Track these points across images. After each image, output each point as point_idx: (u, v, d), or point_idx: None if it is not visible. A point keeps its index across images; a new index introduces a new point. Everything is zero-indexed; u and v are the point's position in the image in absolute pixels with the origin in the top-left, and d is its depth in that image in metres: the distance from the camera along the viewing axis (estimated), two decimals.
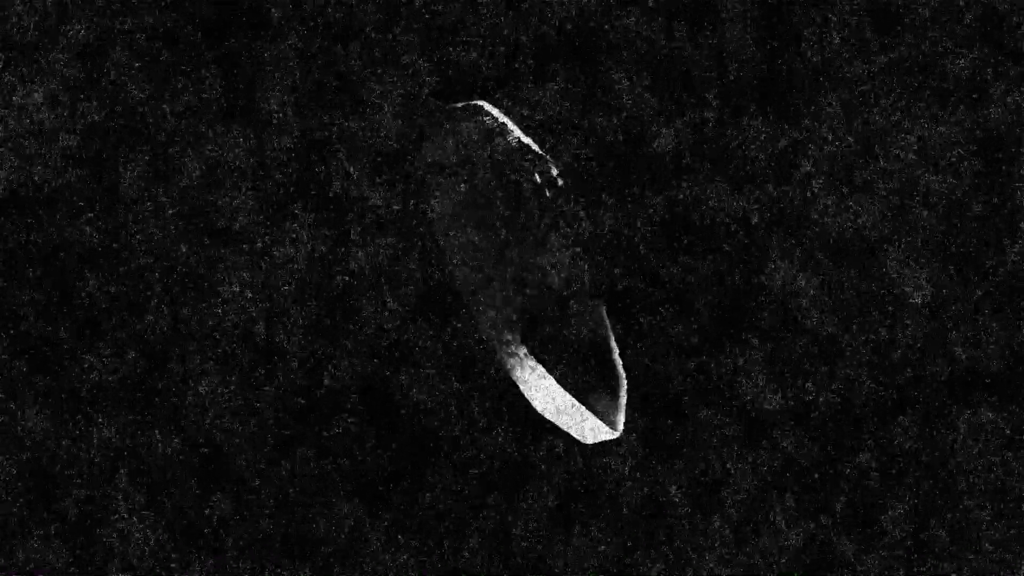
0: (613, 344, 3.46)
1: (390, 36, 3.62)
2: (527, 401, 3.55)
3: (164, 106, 3.61)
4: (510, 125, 3.48)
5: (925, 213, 3.56)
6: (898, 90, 3.58)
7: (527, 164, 3.42)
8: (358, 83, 3.61)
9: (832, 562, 3.52)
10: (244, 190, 3.59)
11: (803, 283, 3.56)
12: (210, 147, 3.60)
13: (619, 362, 3.46)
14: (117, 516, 3.55)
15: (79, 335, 3.57)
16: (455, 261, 3.49)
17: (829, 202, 3.57)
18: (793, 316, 3.56)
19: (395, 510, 3.55)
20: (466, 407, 3.56)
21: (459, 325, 3.56)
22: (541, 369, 3.45)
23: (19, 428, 3.56)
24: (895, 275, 3.56)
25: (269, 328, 3.57)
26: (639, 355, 3.57)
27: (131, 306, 3.58)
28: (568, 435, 3.56)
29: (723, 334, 3.56)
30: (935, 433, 3.54)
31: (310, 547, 3.54)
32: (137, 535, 3.55)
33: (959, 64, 3.58)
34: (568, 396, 3.43)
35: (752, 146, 3.57)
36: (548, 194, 3.43)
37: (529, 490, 3.55)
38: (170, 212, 3.58)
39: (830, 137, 3.58)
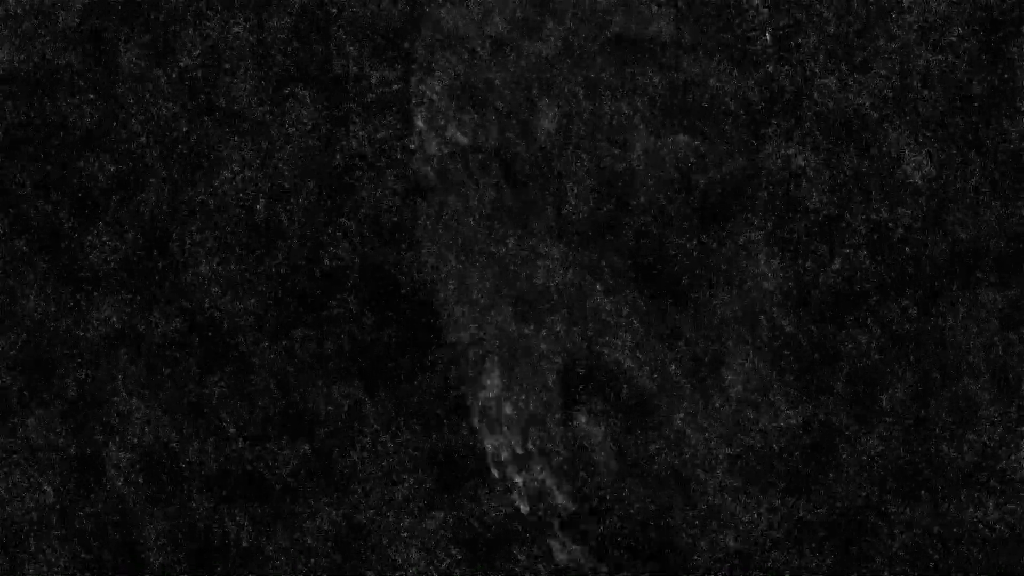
0: None
1: None
2: (528, 282, 3.56)
3: None
4: None
5: (925, 92, 3.56)
6: None
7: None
8: None
9: (832, 442, 3.53)
10: (244, 69, 3.58)
11: (803, 163, 3.56)
12: (210, 26, 3.59)
13: None
14: (116, 396, 3.55)
15: (78, 215, 3.57)
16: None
17: (829, 82, 3.57)
18: (793, 196, 3.56)
19: (394, 390, 3.55)
20: (465, 285, 3.56)
21: (459, 204, 3.56)
22: None
23: (18, 308, 3.56)
24: (895, 155, 3.56)
25: (269, 208, 3.57)
26: (639, 236, 3.57)
27: (130, 186, 3.58)
28: (569, 323, 3.56)
29: (723, 214, 3.56)
30: (935, 313, 3.54)
31: (309, 427, 3.54)
32: (136, 415, 3.55)
33: None
34: None
35: (752, 25, 3.56)
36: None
37: (529, 371, 3.55)
38: (170, 91, 3.58)
39: (830, 16, 3.57)
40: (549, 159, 3.54)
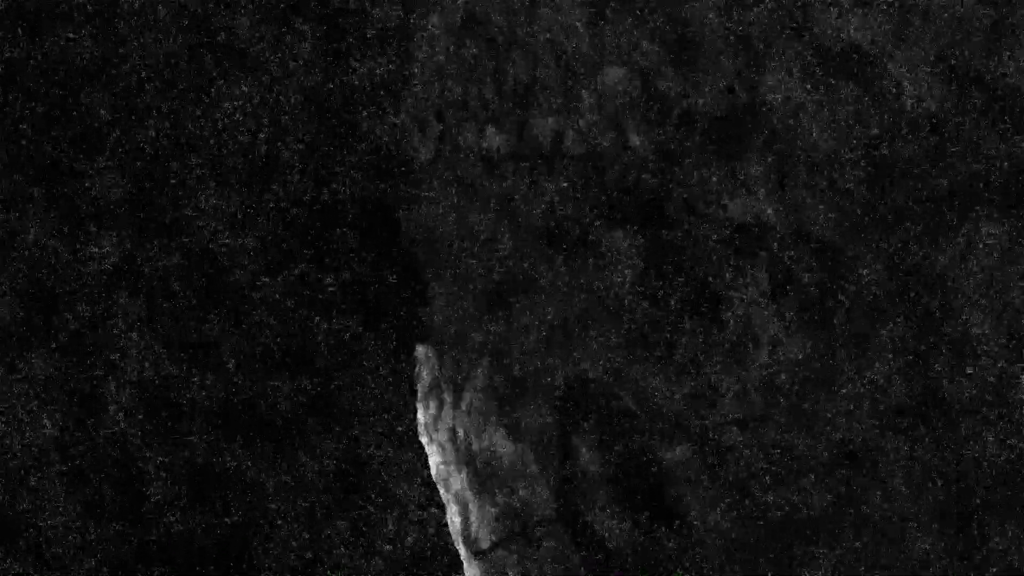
0: None
1: None
2: (530, 217, 3.55)
3: None
4: None
5: (926, 26, 3.56)
6: None
7: None
8: None
9: (831, 376, 3.52)
10: (244, 4, 3.58)
11: (803, 98, 3.55)
12: None
13: None
14: (116, 331, 3.55)
15: (78, 150, 3.57)
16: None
17: (829, 15, 3.57)
18: (793, 130, 3.55)
19: (395, 324, 3.55)
20: (465, 220, 3.56)
21: (460, 141, 3.56)
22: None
23: (18, 243, 3.56)
24: (895, 89, 3.55)
25: (269, 143, 3.57)
26: (637, 168, 3.56)
27: (130, 120, 3.58)
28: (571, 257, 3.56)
29: (722, 148, 3.56)
30: (935, 247, 3.54)
31: (309, 361, 3.54)
32: (136, 350, 3.55)
33: None
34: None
35: None
36: None
37: (529, 304, 3.55)
38: (170, 26, 3.58)
39: None
40: (549, 93, 3.54)
